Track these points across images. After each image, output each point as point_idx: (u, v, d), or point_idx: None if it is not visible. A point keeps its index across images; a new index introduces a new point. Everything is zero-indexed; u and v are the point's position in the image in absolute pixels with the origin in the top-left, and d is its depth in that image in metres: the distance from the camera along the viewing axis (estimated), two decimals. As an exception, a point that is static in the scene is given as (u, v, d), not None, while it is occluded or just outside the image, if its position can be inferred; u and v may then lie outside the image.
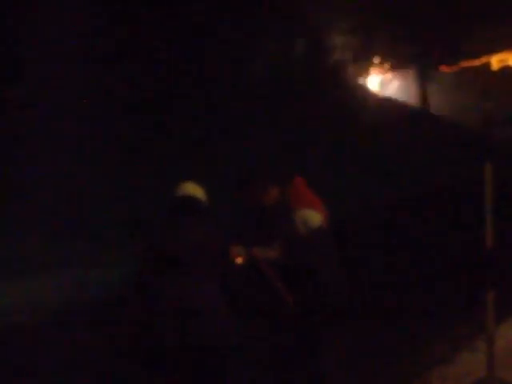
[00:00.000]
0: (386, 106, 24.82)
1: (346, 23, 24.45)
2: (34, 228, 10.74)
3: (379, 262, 9.26)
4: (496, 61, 5.16)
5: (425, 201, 13.58)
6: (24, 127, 12.87)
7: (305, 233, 4.83)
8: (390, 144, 19.10)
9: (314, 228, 4.85)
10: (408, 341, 6.58)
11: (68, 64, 13.89)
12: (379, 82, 28.42)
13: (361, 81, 26.60)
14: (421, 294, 8.03)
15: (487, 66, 5.20)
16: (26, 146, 12.43)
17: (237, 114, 16.42)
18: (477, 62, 5.27)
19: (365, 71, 27.14)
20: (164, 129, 15.04)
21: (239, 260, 4.84)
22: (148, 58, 15.95)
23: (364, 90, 26.16)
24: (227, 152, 14.57)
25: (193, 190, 4.78)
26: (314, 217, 4.89)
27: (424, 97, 27.04)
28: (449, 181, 15.93)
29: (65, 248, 10.41)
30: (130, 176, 12.99)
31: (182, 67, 16.34)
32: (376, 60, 27.17)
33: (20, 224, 10.79)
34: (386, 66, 27.40)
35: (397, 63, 26.77)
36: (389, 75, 28.64)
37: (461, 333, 6.77)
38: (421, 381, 5.74)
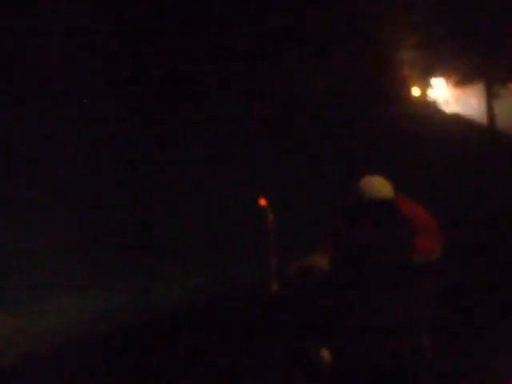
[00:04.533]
0: (452, 122, 24.44)
1: (411, 38, 24.18)
2: (101, 242, 10.75)
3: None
4: None
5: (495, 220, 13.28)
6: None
7: None
8: (456, 161, 18.77)
9: None
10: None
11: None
12: (445, 97, 28.04)
13: (426, 96, 26.27)
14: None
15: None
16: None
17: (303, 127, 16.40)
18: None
19: (430, 86, 26.81)
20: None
21: None
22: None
23: (430, 105, 25.84)
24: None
25: (385, 190, 3.73)
26: None
27: (491, 113, 26.46)
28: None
29: (130, 261, 10.42)
30: (202, 189, 12.96)
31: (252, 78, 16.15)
32: (442, 75, 26.81)
33: (87, 238, 10.79)
34: (452, 81, 26.97)
35: (463, 79, 26.28)
36: (455, 91, 28.23)
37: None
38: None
